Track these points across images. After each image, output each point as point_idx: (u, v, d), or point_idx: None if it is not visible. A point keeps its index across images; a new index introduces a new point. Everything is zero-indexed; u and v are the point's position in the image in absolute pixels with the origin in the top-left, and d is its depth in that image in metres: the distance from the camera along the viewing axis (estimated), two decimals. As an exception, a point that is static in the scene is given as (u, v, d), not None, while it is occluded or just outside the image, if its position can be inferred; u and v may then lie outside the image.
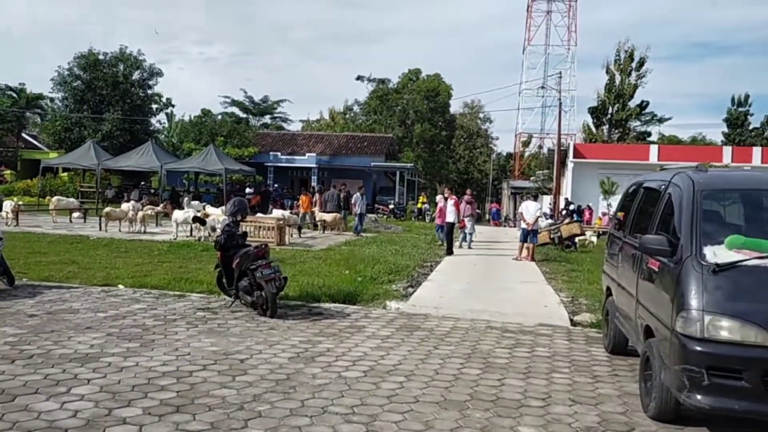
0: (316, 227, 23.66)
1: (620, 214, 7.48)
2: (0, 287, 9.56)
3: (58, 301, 8.78)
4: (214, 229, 9.65)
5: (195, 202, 20.22)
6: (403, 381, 5.80)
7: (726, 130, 54.90)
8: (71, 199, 24.93)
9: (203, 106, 54.31)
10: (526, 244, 16.18)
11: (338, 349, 6.85)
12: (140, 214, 19.64)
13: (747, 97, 53.78)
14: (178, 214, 18.06)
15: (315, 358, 6.44)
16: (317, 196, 25.28)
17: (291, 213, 22.14)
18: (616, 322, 6.89)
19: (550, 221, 21.53)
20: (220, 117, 43.47)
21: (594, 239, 22.82)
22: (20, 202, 23.35)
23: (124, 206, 21.63)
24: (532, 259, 16.02)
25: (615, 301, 7.04)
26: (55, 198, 23.52)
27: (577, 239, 20.87)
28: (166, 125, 51.31)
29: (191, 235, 18.48)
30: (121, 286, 10.14)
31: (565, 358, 6.93)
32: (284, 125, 61.18)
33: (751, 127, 54.00)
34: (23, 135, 52.12)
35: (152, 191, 33.71)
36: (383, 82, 56.25)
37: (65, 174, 39.17)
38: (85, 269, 11.82)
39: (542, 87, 52.20)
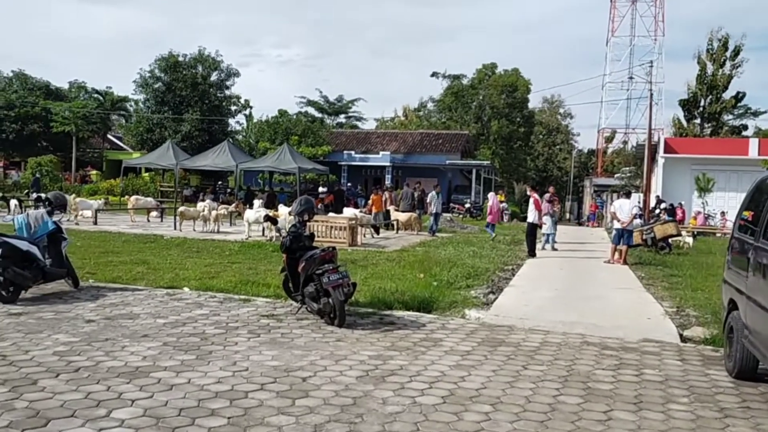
0: (389, 227, 22.94)
1: (748, 214, 6.31)
2: (65, 289, 9.29)
3: (120, 304, 8.37)
4: (279, 230, 9.02)
5: (258, 201, 19.87)
6: (490, 411, 4.92)
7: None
8: (149, 199, 25.25)
9: (281, 107, 54.50)
10: (618, 246, 14.87)
11: (412, 366, 6.03)
12: (214, 213, 19.47)
13: None
14: (249, 214, 17.74)
15: (386, 377, 5.65)
16: (386, 194, 24.53)
17: (362, 212, 21.51)
18: (745, 342, 5.77)
19: (639, 221, 19.93)
20: (294, 116, 43.54)
21: (690, 240, 21.10)
22: (101, 199, 23.82)
23: (200, 205, 21.62)
24: (625, 263, 14.71)
25: (743, 316, 5.90)
26: (133, 197, 23.83)
27: (671, 240, 19.25)
28: (245, 126, 52.06)
29: (263, 234, 18.12)
30: (186, 289, 9.69)
31: (680, 384, 5.86)
32: (359, 124, 61.05)
33: None
34: (109, 137, 54.00)
35: (228, 190, 33.93)
36: (458, 78, 55.05)
37: (147, 174, 40.16)
38: (154, 270, 11.51)
39: (630, 78, 49.58)
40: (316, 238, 17.24)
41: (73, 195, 23.91)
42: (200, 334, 6.94)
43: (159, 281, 10.30)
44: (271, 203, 27.41)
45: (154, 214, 24.10)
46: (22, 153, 44.23)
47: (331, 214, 19.87)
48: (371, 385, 5.40)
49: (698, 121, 50.74)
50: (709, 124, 50.53)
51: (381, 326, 7.70)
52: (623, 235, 14.81)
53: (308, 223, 8.85)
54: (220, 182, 37.85)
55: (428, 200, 22.72)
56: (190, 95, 41.27)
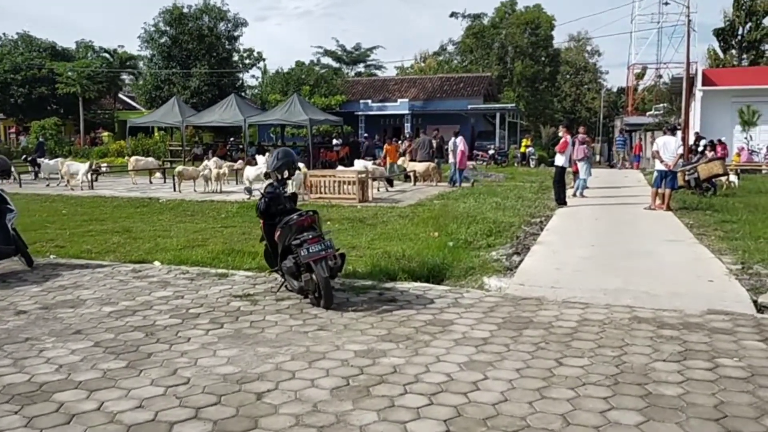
0: (407, 179, 21.36)
1: None
2: (17, 269, 7.99)
3: (70, 287, 7.03)
4: (250, 191, 7.55)
5: (261, 157, 18.37)
6: (512, 445, 3.44)
7: None
8: (149, 159, 23.89)
9: (301, 60, 51.93)
10: (660, 190, 13.14)
11: (410, 367, 4.57)
12: (215, 172, 18.06)
13: None
14: (250, 171, 16.28)
15: (372, 388, 4.19)
16: (406, 143, 22.83)
17: (375, 164, 19.93)
18: None
19: (680, 161, 18.02)
20: (306, 66, 41.52)
21: (735, 179, 19.16)
22: (98, 161, 22.63)
23: (204, 164, 20.27)
24: (668, 208, 12.99)
25: None
26: (132, 158, 22.50)
27: (715, 180, 17.36)
28: (260, 81, 50.32)
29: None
30: (156, 263, 8.32)
31: (773, 381, 4.31)
32: (378, 73, 58.72)
33: None
34: (122, 97, 52.67)
35: (241, 147, 32.48)
36: (478, 18, 52.27)
37: (158, 133, 38.84)
38: (134, 239, 10.21)
39: (666, 3, 46.36)
40: (323, 194, 15.97)
41: (60, 159, 22.64)
42: (148, 327, 5.55)
43: (132, 254, 8.95)
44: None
45: (158, 175, 22.84)
46: (31, 117, 43.17)
47: (339, 167, 18.36)
48: (349, 403, 3.95)
49: (735, 51, 47.60)
50: (748, 55, 47.39)
51: (379, 305, 6.24)
52: (666, 177, 13.04)
53: (292, 181, 7.36)
54: (231, 139, 36.38)
55: (451, 147, 20.93)
56: (197, 48, 39.51)
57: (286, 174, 6.95)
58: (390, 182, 19.07)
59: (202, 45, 39.51)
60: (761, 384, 4.24)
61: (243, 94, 44.97)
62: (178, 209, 14.47)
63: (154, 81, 40.14)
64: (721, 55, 48.08)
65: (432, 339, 5.21)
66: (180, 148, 31.09)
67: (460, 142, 19.89)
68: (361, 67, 60.04)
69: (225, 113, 28.27)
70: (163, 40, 40.26)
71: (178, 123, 28.96)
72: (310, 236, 5.99)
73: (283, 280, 6.66)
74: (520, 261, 8.17)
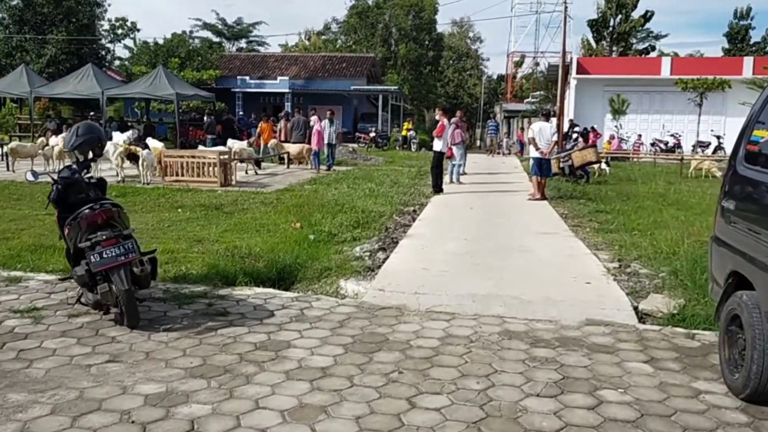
0: (281, 160, 20.01)
1: (764, 134, 3.92)
2: None
3: None
4: (35, 175, 6.06)
5: (117, 133, 16.49)
6: None
7: (726, 45, 50.95)
8: (-17, 134, 20.98)
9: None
10: (538, 178, 12.67)
11: (215, 420, 3.40)
12: (57, 149, 15.84)
13: (749, 9, 49.61)
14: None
15: (149, 461, 3.00)
16: (282, 123, 21.42)
17: (248, 144, 18.44)
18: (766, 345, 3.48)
19: (556, 148, 17.90)
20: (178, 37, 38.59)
21: (606, 167, 19.37)
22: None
23: (52, 140, 17.86)
24: (543, 197, 12.56)
25: (761, 302, 3.60)
26: (-40, 132, 19.57)
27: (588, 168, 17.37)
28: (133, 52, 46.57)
29: (117, 175, 14.79)
30: (-68, 265, 6.61)
31: (663, 419, 3.53)
32: (261, 50, 56.21)
33: (752, 42, 50.19)
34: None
35: (100, 122, 29.55)
36: (363, -4, 51.19)
37: (8, 105, 34.79)
38: (-75, 231, 8.30)
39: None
40: (181, 176, 14.33)
41: None
42: None
43: None
44: (149, 136, 23.73)
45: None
46: None
47: (200, 147, 16.71)
48: (105, 492, 2.74)
49: (607, 42, 49.66)
50: (618, 46, 49.62)
51: (203, 321, 5.01)
52: (542, 165, 12.59)
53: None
54: (92, 113, 33.12)
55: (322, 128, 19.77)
56: (53, 13, 35.65)
57: (90, 154, 5.54)
58: (258, 164, 17.67)
59: (59, 9, 35.72)
60: (652, 429, 3.44)
61: (111, 65, 41.43)
62: (4, 192, 12.40)
63: (4, 47, 35.95)
64: (594, 45, 50.05)
65: (258, 371, 4.06)
66: (29, 123, 27.83)
67: (315, 122, 18.86)
68: (243, 43, 57.39)
69: (80, 84, 25.50)
70: (14, 2, 36.10)
71: (26, 94, 25.82)
72: (105, 236, 4.64)
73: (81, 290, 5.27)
74: (385, 258, 7.18)
